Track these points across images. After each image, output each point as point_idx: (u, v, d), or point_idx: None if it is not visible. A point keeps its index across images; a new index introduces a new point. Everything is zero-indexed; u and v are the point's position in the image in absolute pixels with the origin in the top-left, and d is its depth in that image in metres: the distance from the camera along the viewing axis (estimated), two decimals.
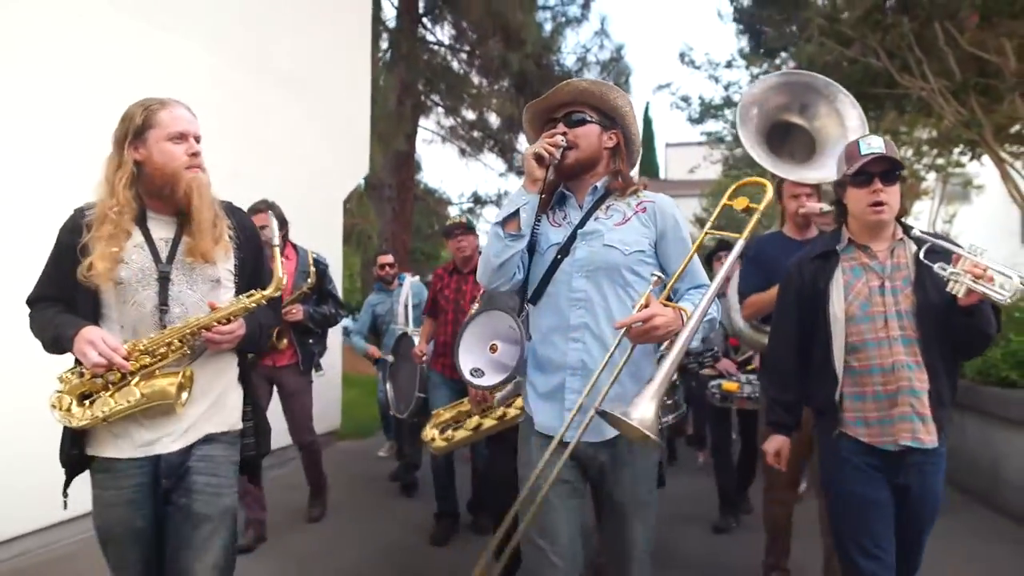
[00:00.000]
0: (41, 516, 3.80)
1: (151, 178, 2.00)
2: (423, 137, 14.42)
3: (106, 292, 1.98)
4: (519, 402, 3.09)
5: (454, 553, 4.14)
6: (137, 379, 1.92)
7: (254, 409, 2.24)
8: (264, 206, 3.96)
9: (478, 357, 2.32)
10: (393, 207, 12.67)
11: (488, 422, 3.30)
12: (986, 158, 7.82)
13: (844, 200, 2.43)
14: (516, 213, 2.11)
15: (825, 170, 3.04)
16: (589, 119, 2.19)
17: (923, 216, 12.47)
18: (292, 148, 6.45)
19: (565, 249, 2.16)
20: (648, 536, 2.22)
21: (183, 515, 2.00)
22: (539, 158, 2.08)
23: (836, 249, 2.43)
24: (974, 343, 2.29)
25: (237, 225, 2.16)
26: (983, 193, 14.64)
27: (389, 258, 6.29)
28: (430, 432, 3.55)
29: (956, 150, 9.08)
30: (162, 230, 2.04)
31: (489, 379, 2.31)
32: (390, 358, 5.50)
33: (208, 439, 2.07)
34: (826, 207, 3.10)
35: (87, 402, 1.93)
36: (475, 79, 13.10)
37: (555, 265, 2.16)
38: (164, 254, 2.02)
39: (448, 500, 4.47)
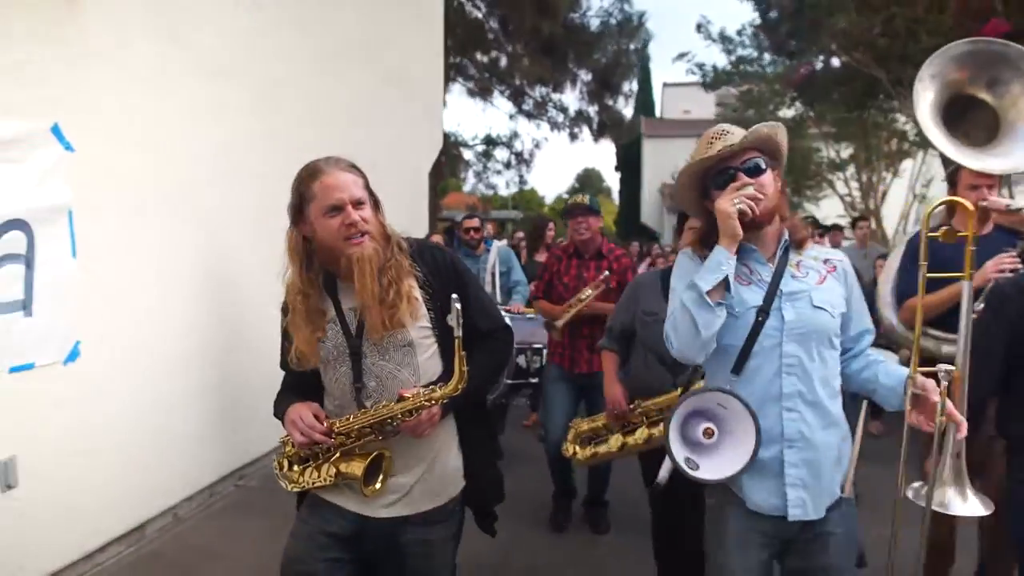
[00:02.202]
0: None
1: (322, 252, 1.94)
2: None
3: (320, 368, 2.00)
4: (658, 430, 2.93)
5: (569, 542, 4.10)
6: (337, 455, 1.93)
7: (474, 464, 2.08)
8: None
9: (690, 446, 2.01)
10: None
11: (632, 441, 3.08)
12: None
13: None
14: (724, 279, 1.89)
15: (1012, 158, 2.60)
16: (764, 165, 1.96)
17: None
18: (382, 124, 7.03)
19: (766, 310, 1.95)
20: None
21: None
22: (743, 215, 1.86)
23: None
24: None
25: (430, 270, 1.99)
26: None
27: (475, 221, 5.92)
28: (570, 447, 3.42)
29: None
30: (351, 299, 1.94)
31: (709, 471, 1.97)
32: None
33: (425, 519, 1.99)
34: (1016, 204, 2.74)
35: (298, 467, 2.01)
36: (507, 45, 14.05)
37: (758, 328, 1.95)
38: (354, 325, 1.95)
39: (565, 478, 4.28)
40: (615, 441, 3.21)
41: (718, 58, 12.31)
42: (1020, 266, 2.60)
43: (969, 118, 2.82)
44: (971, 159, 2.71)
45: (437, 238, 5.69)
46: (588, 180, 54.20)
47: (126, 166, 3.80)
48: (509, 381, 4.58)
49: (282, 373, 2.14)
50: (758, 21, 12.26)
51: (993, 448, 2.63)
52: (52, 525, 3.38)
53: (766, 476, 1.97)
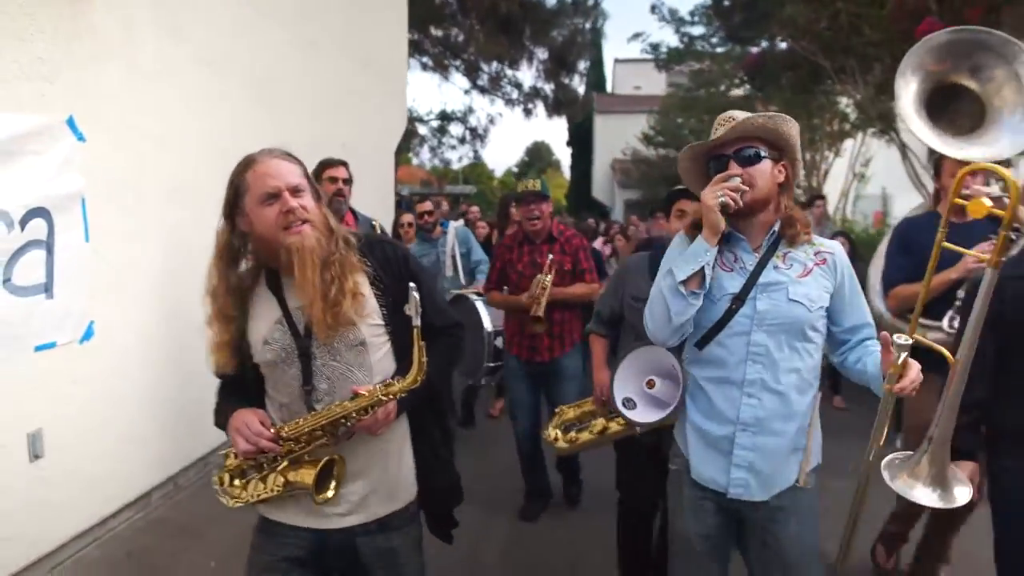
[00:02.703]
0: None
1: (262, 248, 1.84)
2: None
3: (264, 371, 1.89)
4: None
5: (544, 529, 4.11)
6: (284, 464, 1.81)
7: (429, 465, 2.02)
8: (339, 161, 4.03)
9: (633, 388, 2.28)
10: None
11: (614, 426, 3.04)
12: None
13: None
14: (700, 270, 1.94)
15: (997, 146, 2.54)
16: (763, 154, 1.97)
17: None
18: (349, 107, 7.21)
19: (741, 299, 2.00)
20: None
21: None
22: (724, 207, 1.89)
23: None
24: None
25: (380, 264, 1.90)
26: None
27: (428, 204, 5.70)
28: (552, 432, 3.27)
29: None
30: (296, 299, 1.83)
31: (641, 414, 2.25)
32: None
33: (383, 526, 1.91)
34: (998, 191, 2.67)
35: (239, 482, 1.87)
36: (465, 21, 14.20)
37: (729, 315, 2.00)
38: (301, 325, 1.84)
39: (539, 477, 4.32)
40: (597, 425, 3.12)
41: (671, 38, 12.69)
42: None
43: (954, 107, 2.74)
44: (953, 148, 2.65)
45: (408, 218, 5.66)
46: (538, 153, 54.28)
47: (132, 154, 4.00)
48: (490, 364, 4.54)
49: None
50: (709, 1, 12.71)
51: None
52: (73, 493, 3.62)
53: (716, 453, 2.05)
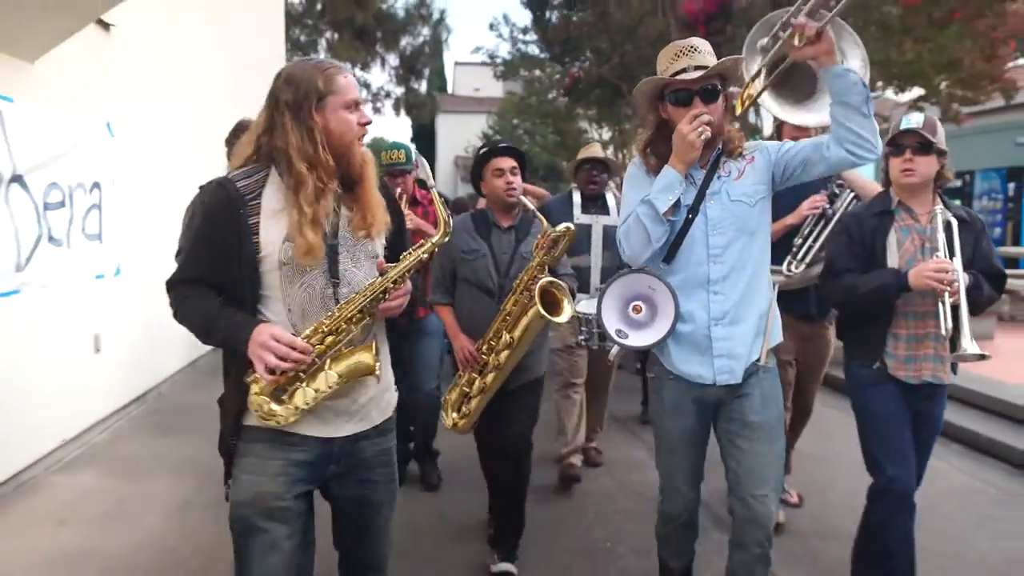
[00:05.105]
0: None
1: (331, 145, 1.81)
2: None
3: (270, 273, 1.80)
4: (504, 352, 2.99)
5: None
6: (327, 361, 1.78)
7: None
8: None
9: (620, 318, 2.35)
10: None
11: (489, 378, 3.05)
12: None
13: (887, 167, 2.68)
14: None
15: (826, 112, 2.50)
16: (719, 88, 2.22)
17: None
18: (243, 101, 8.20)
19: (695, 209, 2.23)
20: (782, 460, 2.43)
21: (362, 502, 1.98)
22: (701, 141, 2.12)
23: (891, 209, 2.66)
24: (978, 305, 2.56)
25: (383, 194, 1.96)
26: None
27: None
28: (450, 418, 3.17)
29: None
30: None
31: (636, 340, 2.34)
32: None
33: (378, 431, 1.97)
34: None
35: (285, 397, 1.76)
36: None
37: (687, 225, 2.24)
38: (327, 228, 1.81)
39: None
40: (476, 388, 3.09)
41: (506, 50, 14.86)
42: (828, 205, 3.33)
43: (794, 75, 2.74)
44: (790, 115, 2.75)
45: None
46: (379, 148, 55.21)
47: (149, 144, 5.73)
48: None
49: None
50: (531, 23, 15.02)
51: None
52: (120, 375, 5.28)
53: (696, 351, 2.28)
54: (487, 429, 3.23)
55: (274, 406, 1.74)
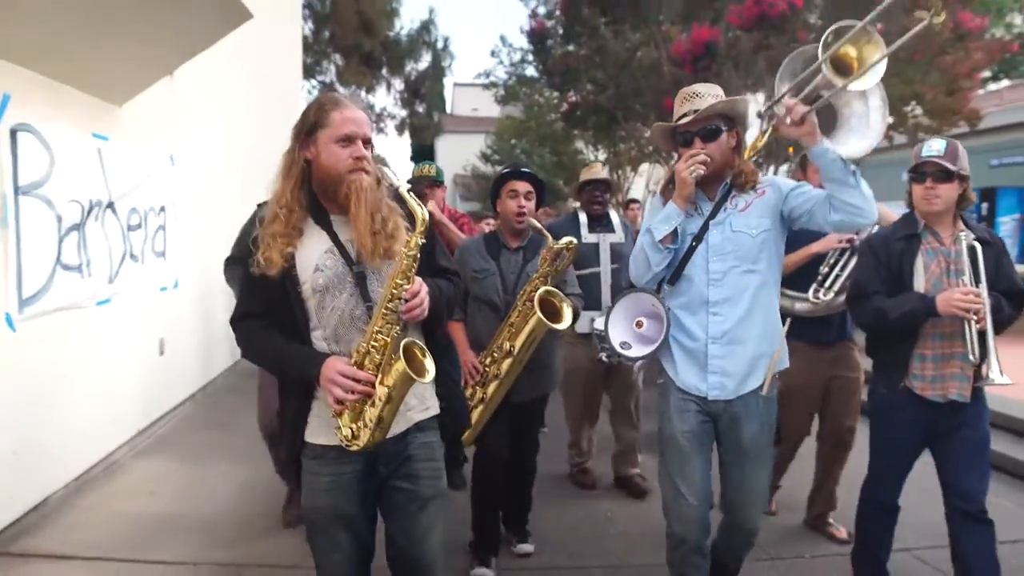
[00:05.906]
0: None
1: (318, 178, 1.96)
2: None
3: (310, 301, 1.96)
4: (506, 361, 3.12)
5: None
6: (380, 377, 1.87)
7: (445, 384, 2.15)
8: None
9: (625, 332, 2.56)
10: None
11: (491, 388, 3.16)
12: None
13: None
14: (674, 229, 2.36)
15: (847, 147, 2.58)
16: (722, 129, 2.38)
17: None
18: (273, 124, 8.92)
19: (699, 237, 2.42)
20: (768, 480, 2.57)
21: (408, 498, 2.04)
22: (698, 179, 2.31)
23: (918, 232, 2.70)
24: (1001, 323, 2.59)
25: (408, 212, 1.98)
26: None
27: None
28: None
29: None
30: (345, 232, 1.97)
31: (637, 351, 2.55)
32: None
33: (419, 427, 2.07)
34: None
35: (360, 422, 1.90)
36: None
37: (691, 251, 2.42)
38: (353, 254, 1.96)
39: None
40: (476, 399, 3.20)
41: (505, 74, 15.65)
42: (856, 237, 3.31)
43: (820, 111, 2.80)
44: None
45: None
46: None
47: (205, 173, 6.50)
48: None
49: None
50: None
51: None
52: (180, 374, 6.02)
53: (694, 364, 2.45)
54: (491, 442, 3.32)
55: (360, 433, 1.90)
